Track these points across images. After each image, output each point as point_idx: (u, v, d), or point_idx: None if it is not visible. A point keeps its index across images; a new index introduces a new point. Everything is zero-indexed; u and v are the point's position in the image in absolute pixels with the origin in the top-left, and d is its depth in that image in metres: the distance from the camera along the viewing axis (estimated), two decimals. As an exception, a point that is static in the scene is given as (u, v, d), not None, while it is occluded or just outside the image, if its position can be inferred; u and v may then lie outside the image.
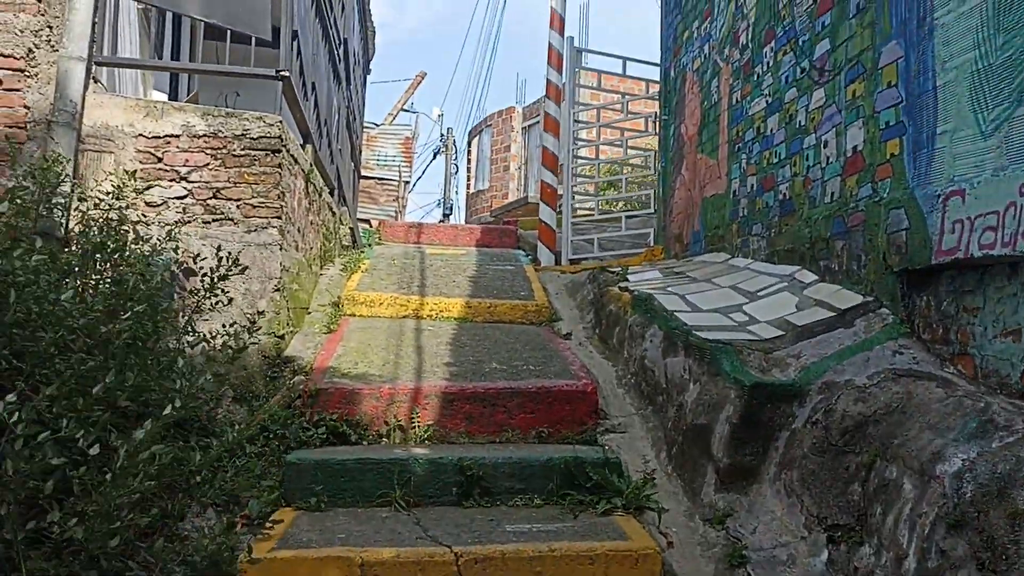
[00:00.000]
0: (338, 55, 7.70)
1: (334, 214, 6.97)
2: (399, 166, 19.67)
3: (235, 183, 4.37)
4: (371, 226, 12.99)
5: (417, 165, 22.11)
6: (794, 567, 2.79)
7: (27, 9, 4.17)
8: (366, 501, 3.33)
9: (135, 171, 4.03)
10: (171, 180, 4.33)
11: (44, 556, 2.17)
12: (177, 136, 4.35)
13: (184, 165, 4.35)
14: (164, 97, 7.08)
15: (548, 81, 8.90)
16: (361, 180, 13.68)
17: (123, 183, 3.67)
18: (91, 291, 3.48)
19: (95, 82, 4.44)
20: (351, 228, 7.92)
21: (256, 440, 3.70)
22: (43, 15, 4.19)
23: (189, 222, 4.29)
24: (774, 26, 4.89)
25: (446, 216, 26.80)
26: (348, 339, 4.80)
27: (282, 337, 4.51)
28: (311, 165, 5.58)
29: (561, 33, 8.80)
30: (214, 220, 4.33)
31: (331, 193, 6.92)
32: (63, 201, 3.62)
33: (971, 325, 2.98)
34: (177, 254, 3.75)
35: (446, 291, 5.94)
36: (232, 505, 3.24)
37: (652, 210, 8.10)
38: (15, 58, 4.16)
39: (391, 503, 3.31)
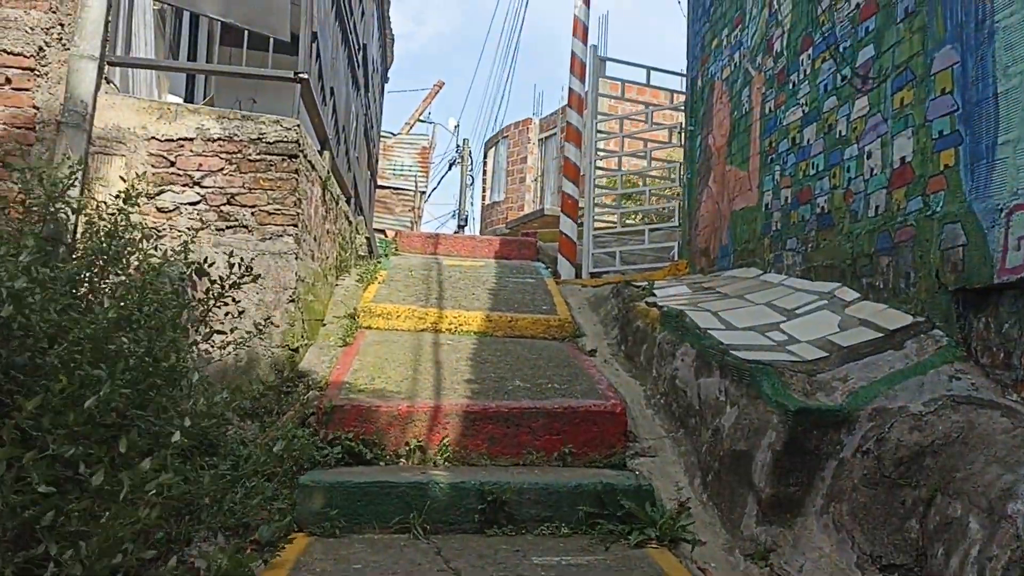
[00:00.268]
0: (357, 60, 7.55)
1: (350, 223, 6.80)
2: (415, 176, 19.54)
3: (250, 189, 4.19)
4: (387, 236, 12.86)
5: (432, 175, 21.99)
6: (847, 610, 2.58)
7: (38, 6, 4.03)
8: (383, 527, 3.14)
9: (146, 175, 3.88)
10: (184, 185, 4.16)
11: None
12: (191, 139, 4.19)
13: (198, 170, 4.18)
14: (180, 99, 6.95)
15: (570, 90, 8.73)
16: (377, 190, 13.54)
17: (133, 188, 3.51)
18: (99, 300, 3.32)
19: (107, 82, 4.29)
20: (367, 238, 7.74)
21: (268, 459, 3.51)
22: (55, 12, 4.04)
23: (202, 229, 4.12)
24: (812, 32, 4.69)
25: (461, 228, 26.66)
26: (364, 353, 4.61)
27: (296, 350, 4.32)
28: (328, 172, 5.41)
29: (584, 42, 8.63)
30: (228, 227, 4.16)
31: (348, 202, 6.75)
32: (72, 205, 3.46)
33: (1039, 350, 2.77)
34: (188, 265, 3.57)
35: (465, 304, 5.75)
36: (241, 529, 3.05)
37: (676, 223, 7.89)
38: (25, 56, 4.01)
39: (410, 530, 3.12)
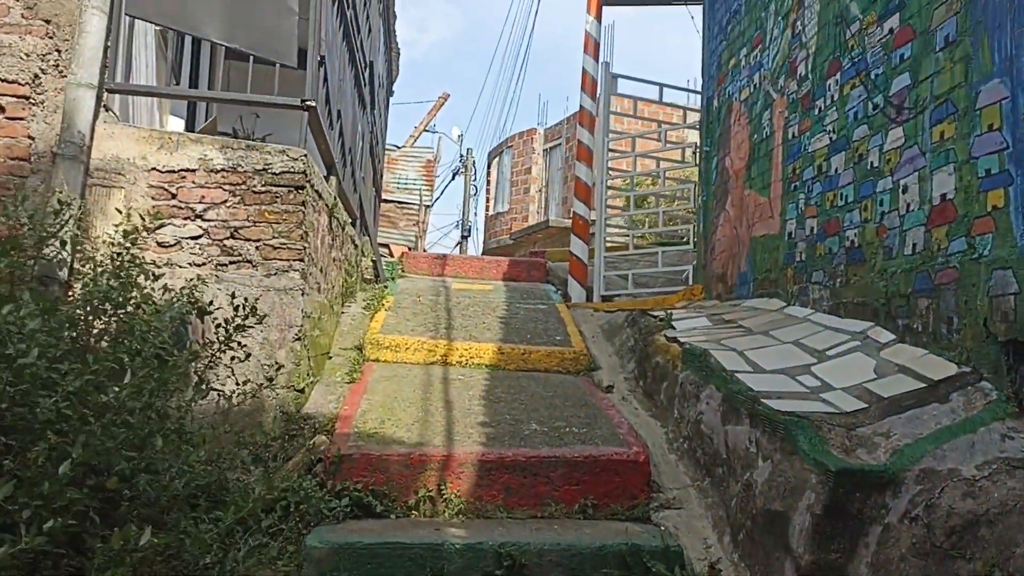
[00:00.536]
0: (364, 79, 7.38)
1: (356, 247, 6.61)
2: (420, 189, 19.35)
3: (255, 222, 4.00)
4: (390, 252, 12.68)
5: (436, 185, 21.81)
6: None
7: (34, 31, 3.84)
8: (395, 592, 2.94)
9: (146, 208, 3.69)
10: (185, 218, 3.97)
11: None
12: (193, 170, 4.00)
13: (200, 202, 3.99)
14: (181, 121, 6.77)
15: (581, 107, 8.53)
16: (381, 204, 13.36)
17: (133, 224, 3.32)
18: (93, 344, 3.14)
19: (106, 110, 4.10)
20: (373, 261, 7.55)
21: (272, 511, 3.32)
22: (51, 38, 3.86)
23: (203, 264, 3.93)
24: (840, 56, 4.50)
25: (464, 239, 26.50)
26: (372, 391, 4.41)
27: (302, 391, 4.13)
28: (335, 198, 5.22)
29: (596, 58, 8.43)
30: (231, 262, 3.96)
31: (353, 224, 6.57)
32: (67, 242, 3.27)
33: (1104, 413, 2.57)
34: (192, 303, 3.38)
35: (476, 334, 5.55)
36: (244, 592, 2.85)
37: (691, 245, 7.68)
38: (20, 84, 3.83)
39: (423, 596, 2.92)
